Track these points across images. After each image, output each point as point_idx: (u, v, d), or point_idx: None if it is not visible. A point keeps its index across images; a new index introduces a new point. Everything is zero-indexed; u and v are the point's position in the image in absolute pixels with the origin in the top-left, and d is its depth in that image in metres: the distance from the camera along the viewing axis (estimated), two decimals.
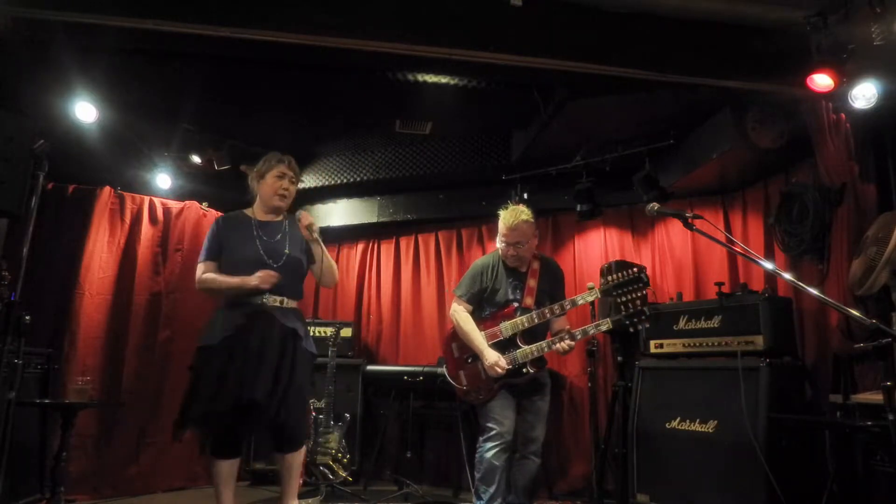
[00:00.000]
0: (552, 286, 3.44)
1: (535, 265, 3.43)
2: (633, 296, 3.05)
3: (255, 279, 2.75)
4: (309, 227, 2.90)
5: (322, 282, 3.05)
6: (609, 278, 3.14)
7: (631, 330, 3.09)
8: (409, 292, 5.55)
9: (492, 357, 3.17)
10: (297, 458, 2.92)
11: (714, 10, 3.10)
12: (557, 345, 3.14)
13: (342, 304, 5.75)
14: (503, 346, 3.22)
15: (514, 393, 3.26)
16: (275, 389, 2.69)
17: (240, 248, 2.86)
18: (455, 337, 3.39)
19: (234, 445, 2.85)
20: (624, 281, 3.07)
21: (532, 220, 3.34)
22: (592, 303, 4.41)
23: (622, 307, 3.08)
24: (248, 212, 3.04)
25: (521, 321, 3.21)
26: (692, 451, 3.39)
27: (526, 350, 3.19)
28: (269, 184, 2.97)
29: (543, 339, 3.31)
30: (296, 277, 2.93)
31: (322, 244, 2.97)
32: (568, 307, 3.23)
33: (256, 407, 2.64)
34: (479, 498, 3.20)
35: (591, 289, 3.38)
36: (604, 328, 3.17)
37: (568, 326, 3.30)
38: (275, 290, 2.82)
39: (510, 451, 3.25)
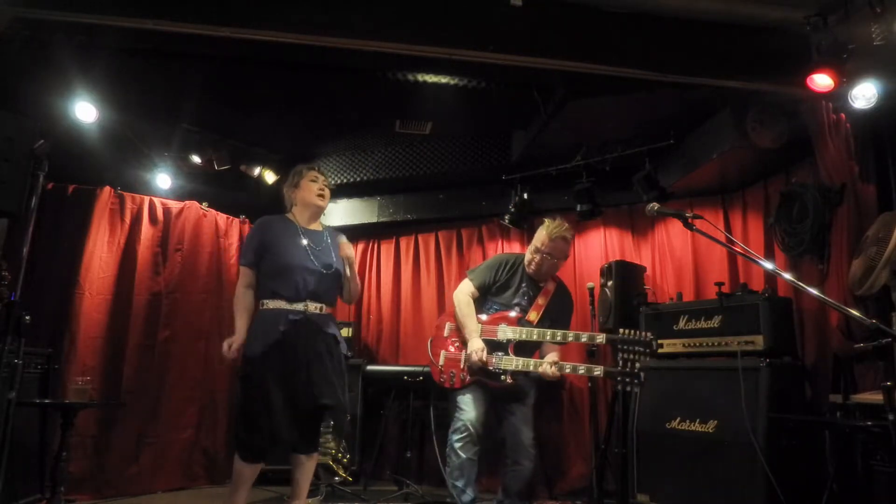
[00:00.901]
0: (558, 313, 3.46)
1: (551, 287, 3.47)
2: (635, 357, 3.04)
3: (227, 345, 2.86)
4: (348, 258, 3.04)
5: (345, 299, 3.20)
6: (622, 332, 3.11)
7: (618, 388, 3.09)
8: (409, 292, 5.54)
9: (476, 345, 3.20)
10: (314, 460, 3.02)
11: (714, 10, 3.11)
12: (544, 368, 3.14)
13: (342, 304, 5.72)
14: (493, 347, 3.25)
15: (488, 393, 3.27)
16: (335, 392, 2.87)
17: (290, 252, 2.93)
18: (450, 317, 3.44)
19: (267, 451, 2.86)
20: (634, 340, 3.07)
21: (571, 240, 3.43)
22: (592, 302, 4.42)
23: (620, 362, 3.08)
24: (290, 217, 3.11)
25: (521, 332, 3.24)
26: (692, 451, 3.39)
27: (511, 360, 3.21)
28: (306, 187, 3.10)
29: (530, 354, 3.32)
30: (335, 286, 3.07)
31: (354, 269, 3.12)
32: (570, 339, 3.25)
33: (328, 409, 2.84)
34: (455, 493, 3.21)
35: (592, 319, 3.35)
36: (596, 373, 3.19)
37: (557, 354, 3.29)
38: (315, 297, 2.93)
39: (479, 445, 3.25)
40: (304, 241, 2.99)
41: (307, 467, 2.96)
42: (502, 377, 3.20)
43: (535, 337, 3.22)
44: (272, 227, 3.02)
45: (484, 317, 3.34)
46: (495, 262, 3.48)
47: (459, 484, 3.17)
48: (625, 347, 3.06)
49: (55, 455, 3.51)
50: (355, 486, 4.45)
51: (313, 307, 2.91)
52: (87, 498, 4.12)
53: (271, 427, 2.74)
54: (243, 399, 2.83)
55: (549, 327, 3.33)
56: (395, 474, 4.77)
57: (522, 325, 3.27)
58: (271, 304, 2.88)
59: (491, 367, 3.18)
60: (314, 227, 3.13)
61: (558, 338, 3.22)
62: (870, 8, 2.63)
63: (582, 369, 3.21)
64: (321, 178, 3.15)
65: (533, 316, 3.34)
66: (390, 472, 4.91)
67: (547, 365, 3.14)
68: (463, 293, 3.38)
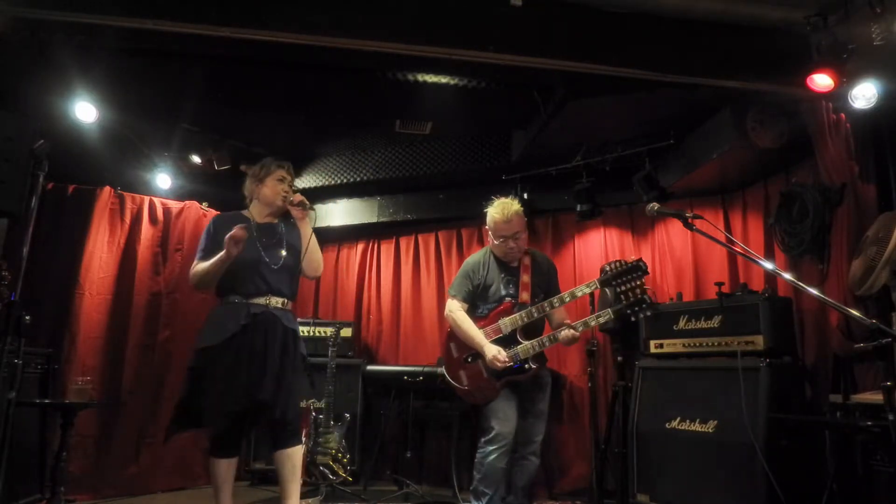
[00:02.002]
0: (546, 279, 3.43)
1: (527, 260, 3.42)
2: (633, 284, 3.08)
3: (231, 240, 2.73)
4: (301, 204, 2.91)
5: (304, 268, 3.00)
6: (608, 268, 3.18)
7: (633, 319, 3.11)
8: (409, 292, 5.54)
9: (492, 350, 3.14)
10: (298, 456, 2.94)
11: (714, 10, 3.10)
12: (562, 335, 3.14)
13: (342, 304, 5.75)
14: (504, 342, 3.21)
15: (517, 391, 3.25)
16: (279, 389, 2.76)
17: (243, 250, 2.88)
18: (453, 337, 3.37)
19: (233, 445, 2.89)
20: (622, 270, 3.11)
21: (521, 209, 3.36)
22: (592, 301, 4.42)
23: (622, 297, 3.11)
24: (245, 213, 3.07)
25: (521, 316, 3.21)
26: (692, 451, 3.39)
27: (527, 345, 3.17)
28: (271, 187, 3.01)
29: (542, 334, 3.31)
30: (293, 279, 2.99)
31: (311, 228, 2.98)
32: (567, 299, 3.22)
33: (264, 406, 2.72)
34: (478, 499, 3.20)
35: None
36: (604, 319, 3.17)
37: (567, 318, 3.30)
38: (276, 291, 2.89)
39: (511, 453, 3.25)
40: (256, 237, 2.92)
41: (291, 464, 2.87)
42: (526, 367, 3.18)
43: (535, 314, 3.21)
44: (225, 226, 2.94)
45: (481, 321, 3.33)
46: (468, 268, 3.43)
47: (489, 491, 3.17)
48: (619, 281, 3.09)
49: (55, 455, 3.52)
50: (355, 486, 4.45)
51: (275, 301, 2.88)
52: (87, 498, 4.12)
53: (214, 419, 2.73)
54: (187, 390, 2.76)
55: (544, 297, 3.33)
56: (395, 474, 4.78)
57: (519, 309, 3.26)
58: (231, 299, 2.86)
59: (512, 363, 3.15)
60: (269, 220, 3.05)
61: (556, 304, 3.21)
62: (870, 8, 2.63)
63: (592, 321, 3.19)
64: (289, 178, 3.04)
65: (525, 296, 3.31)
66: (390, 472, 4.91)
67: (562, 334, 3.14)
68: (454, 310, 3.34)
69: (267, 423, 2.84)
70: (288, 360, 2.83)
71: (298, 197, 2.96)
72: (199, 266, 2.90)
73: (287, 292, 2.94)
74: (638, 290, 3.07)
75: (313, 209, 2.98)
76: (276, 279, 2.90)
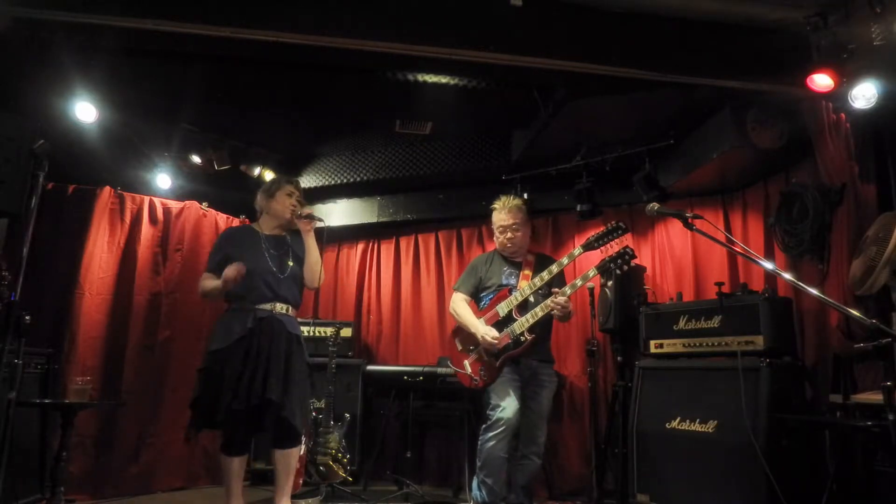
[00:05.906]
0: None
1: (531, 258, 3.63)
2: (615, 243, 3.33)
3: (228, 275, 2.93)
4: (309, 216, 3.18)
5: (305, 278, 3.22)
6: (590, 235, 3.43)
7: (618, 272, 3.32)
8: (409, 292, 5.54)
9: (481, 329, 3.32)
10: (295, 456, 3.11)
11: (714, 10, 3.11)
12: (550, 301, 3.26)
13: (342, 304, 5.75)
14: (502, 324, 3.37)
15: (518, 378, 3.33)
16: (285, 390, 2.93)
17: (251, 260, 3.07)
18: (457, 332, 3.53)
19: (243, 444, 3.06)
20: (603, 233, 3.38)
21: (522, 204, 3.65)
22: (593, 303, 4.43)
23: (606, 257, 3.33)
24: (255, 226, 3.29)
25: (515, 297, 3.38)
26: (692, 451, 3.39)
27: (521, 320, 3.33)
28: (280, 200, 3.23)
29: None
30: (298, 287, 3.20)
31: (315, 240, 3.22)
32: (555, 269, 3.38)
33: (272, 405, 2.88)
34: (480, 488, 3.22)
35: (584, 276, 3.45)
36: (592, 275, 3.35)
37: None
38: (281, 298, 3.09)
39: (514, 441, 3.27)
40: (265, 248, 3.14)
41: (286, 463, 3.07)
42: (522, 339, 3.31)
43: (528, 291, 3.37)
44: (235, 238, 3.22)
45: (481, 312, 3.48)
46: (473, 265, 3.69)
47: (489, 481, 3.19)
48: (601, 242, 3.37)
49: (55, 455, 3.51)
50: (355, 486, 4.45)
51: (280, 307, 3.07)
52: (87, 498, 4.12)
53: (223, 418, 2.86)
54: (199, 391, 2.96)
55: (546, 288, 3.45)
56: (395, 474, 4.77)
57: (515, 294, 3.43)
58: (239, 305, 3.05)
59: (510, 339, 3.29)
60: (277, 232, 3.26)
61: (546, 277, 3.36)
62: (870, 8, 2.63)
63: (580, 281, 3.38)
64: (297, 193, 3.27)
65: (524, 284, 3.47)
66: (390, 472, 4.91)
67: (549, 300, 3.26)
68: (457, 303, 3.56)
69: (271, 423, 2.97)
70: (292, 363, 3.00)
71: (307, 210, 3.21)
72: (206, 283, 3.14)
73: (291, 300, 3.15)
74: (619, 246, 3.29)
75: (321, 220, 3.22)
76: (281, 287, 3.09)
